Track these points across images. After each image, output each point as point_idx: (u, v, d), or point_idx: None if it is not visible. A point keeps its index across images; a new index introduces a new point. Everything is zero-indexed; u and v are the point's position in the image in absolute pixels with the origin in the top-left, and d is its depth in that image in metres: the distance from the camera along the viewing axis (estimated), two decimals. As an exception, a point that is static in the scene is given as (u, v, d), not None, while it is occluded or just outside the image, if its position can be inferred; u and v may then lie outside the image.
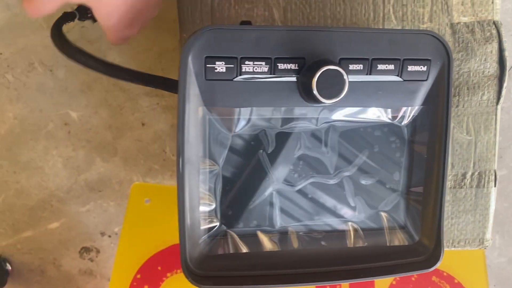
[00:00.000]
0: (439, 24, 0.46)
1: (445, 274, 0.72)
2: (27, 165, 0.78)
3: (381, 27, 0.46)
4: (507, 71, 0.47)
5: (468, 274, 0.72)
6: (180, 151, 0.35)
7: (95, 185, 0.80)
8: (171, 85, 0.44)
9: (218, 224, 0.39)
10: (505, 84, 0.47)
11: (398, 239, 0.41)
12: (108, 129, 0.76)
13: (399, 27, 0.46)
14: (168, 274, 0.70)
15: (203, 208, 0.38)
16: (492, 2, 0.46)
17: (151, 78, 0.43)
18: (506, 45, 0.47)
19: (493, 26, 0.46)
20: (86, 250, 0.83)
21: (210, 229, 0.39)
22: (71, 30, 0.75)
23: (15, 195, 0.78)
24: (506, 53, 0.47)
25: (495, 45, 0.46)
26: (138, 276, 0.70)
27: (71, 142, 0.77)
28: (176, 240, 0.71)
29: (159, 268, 0.70)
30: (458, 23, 0.46)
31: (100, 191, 0.78)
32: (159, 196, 0.74)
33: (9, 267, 0.80)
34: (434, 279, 0.72)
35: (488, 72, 0.47)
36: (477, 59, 0.47)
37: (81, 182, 0.79)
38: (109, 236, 0.81)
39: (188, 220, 0.36)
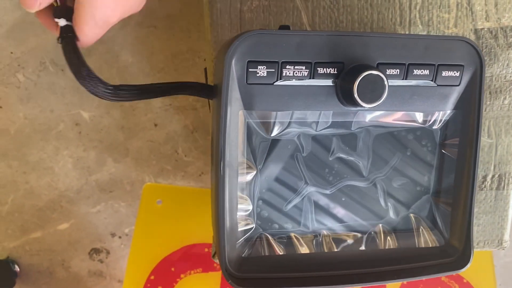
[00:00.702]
0: (463, 30, 0.47)
1: (454, 274, 0.73)
2: (37, 165, 0.77)
3: (407, 31, 0.47)
4: (528, 76, 0.48)
5: (476, 274, 0.73)
6: (221, 155, 0.35)
7: (106, 186, 0.79)
8: (202, 90, 0.42)
9: (254, 226, 0.39)
10: (526, 89, 0.48)
11: (428, 241, 0.42)
12: (120, 130, 0.75)
13: (425, 32, 0.47)
14: (182, 275, 0.70)
15: (241, 211, 0.38)
16: (515, 9, 0.47)
17: (182, 86, 0.40)
18: (527, 50, 0.48)
19: (516, 32, 0.47)
20: (96, 251, 0.82)
21: (247, 231, 0.39)
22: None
23: (24, 195, 0.77)
24: (528, 59, 0.48)
25: (517, 50, 0.47)
26: (152, 277, 0.70)
27: (82, 142, 0.76)
28: (188, 241, 0.71)
29: (173, 269, 0.70)
30: (482, 28, 0.47)
31: (111, 191, 0.78)
32: (171, 197, 0.74)
33: (17, 268, 0.79)
34: (444, 279, 0.73)
35: (510, 77, 0.48)
36: (500, 64, 0.48)
37: (92, 182, 0.78)
38: (120, 237, 0.81)
39: (227, 223, 0.36)
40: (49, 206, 0.80)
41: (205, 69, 0.51)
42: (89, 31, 0.34)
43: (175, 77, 0.74)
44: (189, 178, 0.77)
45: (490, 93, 0.48)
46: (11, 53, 0.69)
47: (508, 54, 0.47)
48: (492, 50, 0.47)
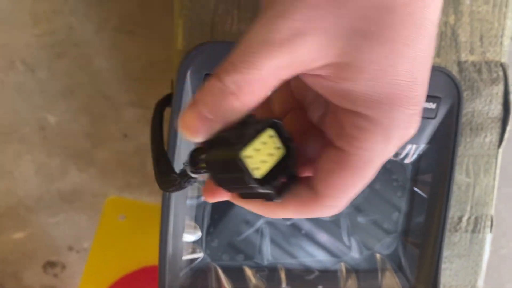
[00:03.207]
0: (446, 60, 0.44)
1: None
2: (-4, 169, 0.73)
3: (387, 58, 0.44)
4: (511, 114, 0.46)
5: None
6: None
7: (67, 196, 0.75)
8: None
9: (202, 255, 0.36)
10: (508, 128, 0.46)
11: (393, 283, 0.39)
12: (87, 138, 0.72)
13: (405, 60, 0.44)
14: (138, 298, 0.66)
15: (187, 237, 0.34)
16: (501, 44, 0.45)
17: None
18: (511, 88, 0.46)
19: (500, 68, 0.45)
20: (51, 264, 0.77)
21: (193, 260, 0.35)
22: (57, 30, 0.72)
23: (-21, 200, 0.73)
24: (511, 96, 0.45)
25: (501, 87, 0.45)
26: (105, 297, 0.65)
27: (46, 148, 0.72)
28: (149, 262, 0.67)
29: (129, 290, 0.66)
30: (466, 61, 0.45)
31: (72, 202, 0.74)
32: (135, 213, 0.70)
33: (-36, 277, 0.73)
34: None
35: (492, 114, 0.45)
36: (482, 99, 0.45)
37: (53, 191, 0.74)
38: (78, 252, 0.76)
39: (170, 250, 0.33)
40: (5, 213, 0.76)
41: (172, 80, 0.48)
42: None
43: (150, 86, 0.71)
44: (156, 194, 0.73)
45: (470, 129, 0.46)
46: (-21, 49, 0.66)
47: (492, 90, 0.45)
48: (475, 85, 0.45)
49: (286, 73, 0.18)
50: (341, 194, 0.19)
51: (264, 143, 0.19)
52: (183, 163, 0.22)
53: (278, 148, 0.19)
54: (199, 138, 0.19)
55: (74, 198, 0.74)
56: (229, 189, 0.20)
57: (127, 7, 0.70)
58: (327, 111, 0.21)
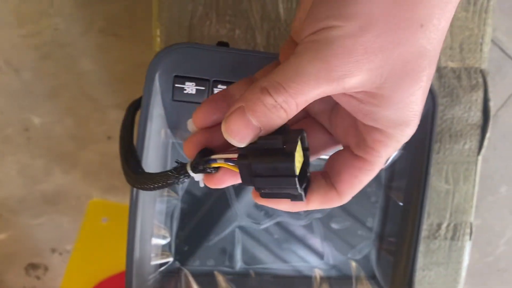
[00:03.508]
0: (425, 66, 0.44)
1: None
2: (-22, 169, 0.73)
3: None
4: (490, 121, 0.45)
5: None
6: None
7: (51, 198, 0.75)
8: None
9: (171, 260, 0.35)
10: (487, 135, 0.45)
11: (366, 291, 0.38)
12: (71, 139, 0.71)
13: (385, 65, 0.44)
14: (119, 301, 0.65)
15: (156, 241, 0.34)
16: (481, 50, 0.45)
17: None
18: (491, 95, 0.45)
19: (480, 74, 0.45)
20: (33, 266, 0.77)
21: (162, 265, 0.35)
22: (43, 31, 0.71)
23: (-39, 200, 0.73)
24: (491, 103, 0.45)
25: (480, 93, 0.45)
26: (86, 300, 0.64)
27: (30, 149, 0.72)
28: (131, 264, 0.66)
29: (110, 293, 0.65)
30: (445, 67, 0.44)
31: (55, 204, 0.73)
32: (118, 215, 0.69)
33: None
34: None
35: (472, 120, 0.45)
36: (462, 106, 0.45)
37: (36, 192, 0.74)
38: (60, 254, 0.76)
39: (137, 253, 0.33)
40: (-13, 213, 0.75)
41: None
42: None
43: (135, 89, 0.71)
44: (140, 197, 0.72)
45: (450, 136, 0.45)
46: (-37, 48, 0.66)
47: (471, 96, 0.45)
48: (455, 91, 0.45)
49: (326, 94, 0.21)
50: (356, 190, 0.24)
51: (297, 150, 0.21)
52: (176, 161, 0.23)
53: (301, 155, 0.22)
54: (243, 144, 0.21)
55: (57, 200, 0.73)
56: (259, 188, 0.22)
57: (113, 10, 0.70)
58: (335, 113, 0.25)
